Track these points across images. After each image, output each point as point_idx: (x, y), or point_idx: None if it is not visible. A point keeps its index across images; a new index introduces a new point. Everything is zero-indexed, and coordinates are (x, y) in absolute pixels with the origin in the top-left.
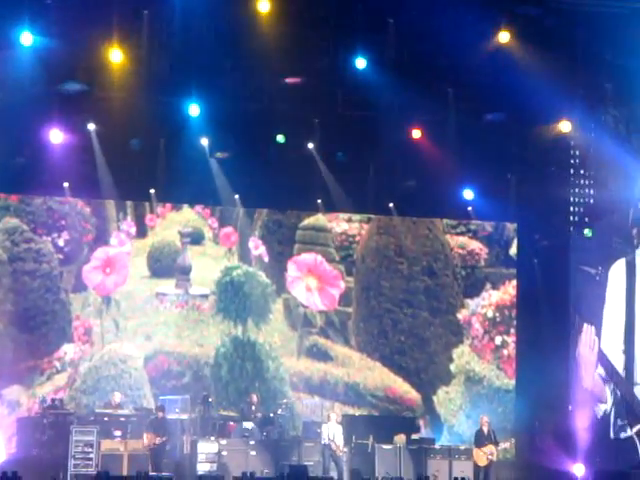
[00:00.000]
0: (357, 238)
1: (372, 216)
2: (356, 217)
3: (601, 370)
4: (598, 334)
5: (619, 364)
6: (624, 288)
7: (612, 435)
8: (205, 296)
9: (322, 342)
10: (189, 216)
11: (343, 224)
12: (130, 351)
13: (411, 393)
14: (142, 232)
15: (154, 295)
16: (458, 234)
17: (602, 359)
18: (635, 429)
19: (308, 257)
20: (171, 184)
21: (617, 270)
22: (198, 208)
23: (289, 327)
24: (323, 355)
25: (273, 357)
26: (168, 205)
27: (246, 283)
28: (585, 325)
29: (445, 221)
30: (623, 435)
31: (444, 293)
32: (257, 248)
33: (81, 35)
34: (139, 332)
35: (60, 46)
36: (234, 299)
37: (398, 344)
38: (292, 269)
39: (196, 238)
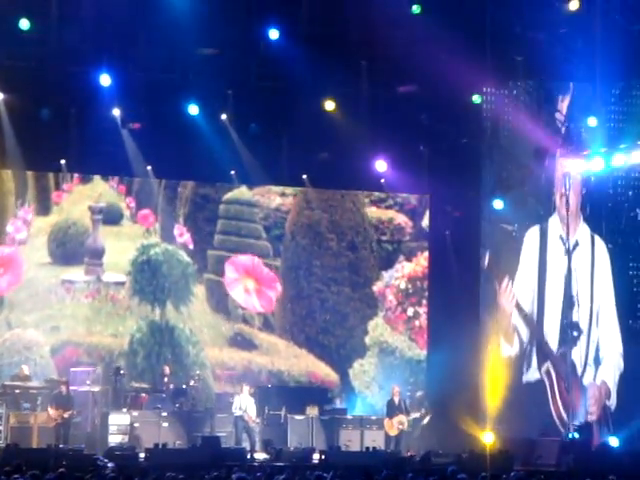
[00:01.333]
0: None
1: (300, 189)
2: (289, 191)
3: (516, 315)
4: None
5: (531, 312)
6: (537, 250)
7: (524, 379)
8: (121, 284)
9: (247, 330)
10: (102, 189)
11: (277, 198)
12: (35, 337)
13: (331, 375)
14: (45, 209)
15: (59, 283)
16: (386, 207)
17: (517, 306)
18: (544, 368)
19: (245, 259)
20: (82, 155)
21: (531, 234)
22: (113, 182)
23: (212, 311)
24: (247, 344)
25: (194, 342)
26: (77, 178)
27: (165, 262)
28: (505, 277)
29: (374, 195)
30: (532, 378)
31: (362, 266)
32: (182, 235)
33: None
34: (42, 325)
35: None
36: (151, 280)
37: (323, 324)
38: (230, 270)
39: (111, 216)
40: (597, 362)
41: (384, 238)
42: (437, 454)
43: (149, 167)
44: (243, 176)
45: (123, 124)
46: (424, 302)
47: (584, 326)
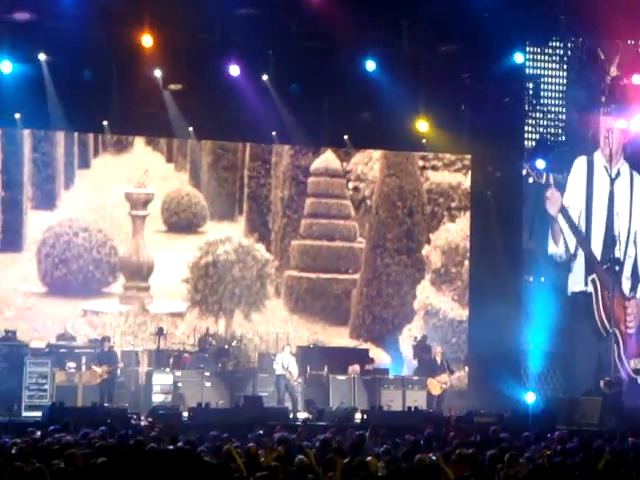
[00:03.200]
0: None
1: (382, 152)
2: (372, 154)
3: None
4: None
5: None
6: (585, 176)
7: (569, 290)
8: (178, 315)
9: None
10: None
11: (360, 166)
12: None
13: (384, 359)
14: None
15: (79, 314)
16: (433, 169)
17: (562, 211)
18: (590, 278)
19: None
20: (124, 116)
21: (579, 162)
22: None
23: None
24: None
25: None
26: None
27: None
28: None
29: (423, 155)
30: (578, 289)
31: (416, 231)
32: None
33: None
34: None
35: None
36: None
37: (387, 297)
38: None
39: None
40: (635, 277)
41: (432, 199)
42: (479, 414)
43: (190, 128)
44: (284, 137)
45: (164, 85)
46: (466, 263)
47: (622, 247)
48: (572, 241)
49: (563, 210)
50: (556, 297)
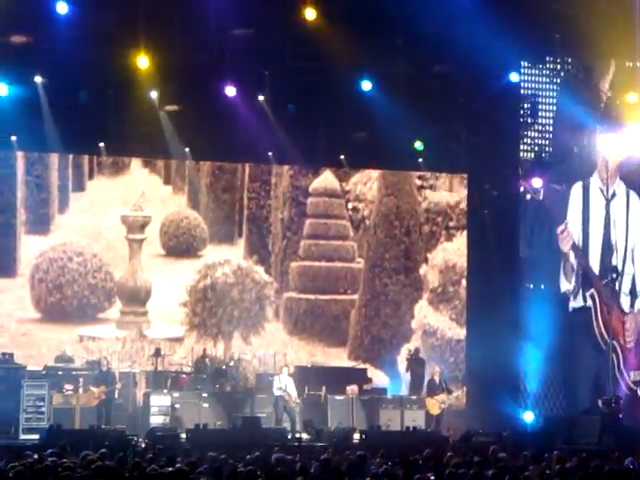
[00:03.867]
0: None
1: (374, 171)
2: (370, 174)
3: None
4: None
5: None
6: (581, 202)
7: (570, 307)
8: (176, 340)
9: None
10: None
11: (359, 186)
12: None
13: (383, 380)
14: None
15: (75, 340)
16: (430, 188)
17: (573, 247)
18: (589, 293)
19: None
20: (120, 138)
21: (576, 189)
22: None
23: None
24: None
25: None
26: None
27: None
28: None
29: (419, 175)
30: (578, 305)
31: (413, 250)
32: None
33: None
34: None
35: None
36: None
37: (385, 317)
38: None
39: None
40: (633, 293)
41: (430, 219)
42: (477, 433)
43: (187, 149)
44: (281, 157)
45: (160, 106)
46: (463, 282)
47: (620, 263)
48: (579, 270)
49: (575, 247)
50: (556, 308)
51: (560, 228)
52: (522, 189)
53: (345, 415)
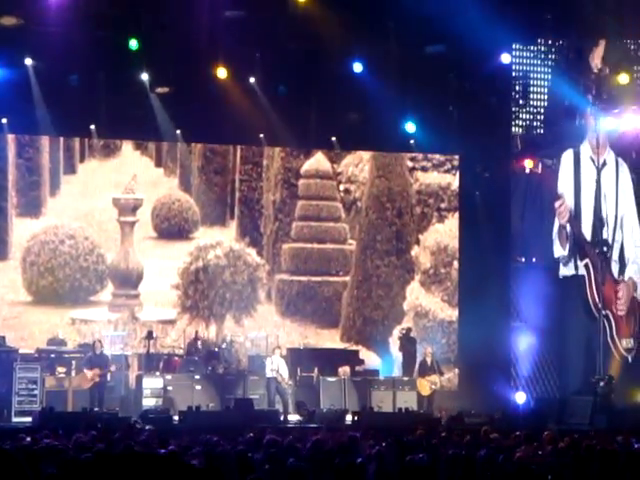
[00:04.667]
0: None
1: (371, 154)
2: (362, 155)
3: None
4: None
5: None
6: (572, 170)
7: (560, 274)
8: (169, 322)
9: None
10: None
11: (351, 167)
12: None
13: (375, 362)
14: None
15: (67, 322)
16: (422, 169)
17: (572, 221)
18: (583, 262)
19: None
20: (111, 120)
21: (566, 156)
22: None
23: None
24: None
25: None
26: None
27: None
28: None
29: (411, 156)
30: (569, 272)
31: (405, 232)
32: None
33: None
34: None
35: None
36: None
37: (376, 300)
38: None
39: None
40: (621, 261)
41: (421, 200)
42: (469, 414)
43: (178, 131)
44: (272, 139)
45: (151, 88)
46: (455, 263)
47: (610, 234)
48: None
49: (571, 219)
50: (547, 280)
51: (558, 202)
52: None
53: (337, 396)
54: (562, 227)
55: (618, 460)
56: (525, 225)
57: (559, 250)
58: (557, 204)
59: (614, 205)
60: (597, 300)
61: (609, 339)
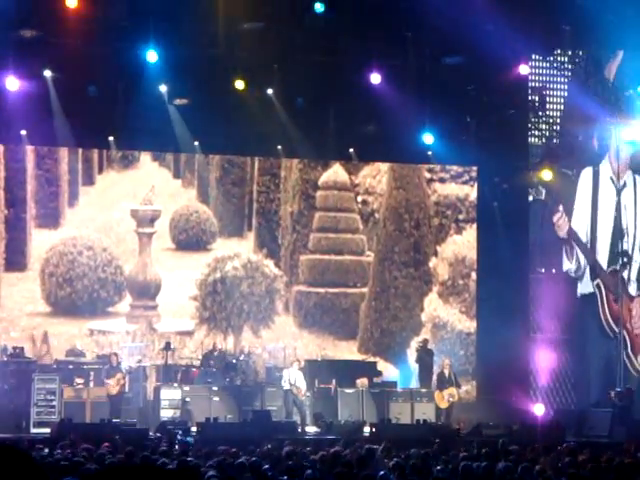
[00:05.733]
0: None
1: (383, 164)
2: (380, 167)
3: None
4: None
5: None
6: (591, 188)
7: (578, 292)
8: (187, 333)
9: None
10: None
11: (368, 179)
12: None
13: (392, 373)
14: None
15: (85, 334)
16: (440, 181)
17: (572, 234)
18: (595, 282)
19: None
20: (130, 132)
21: (585, 174)
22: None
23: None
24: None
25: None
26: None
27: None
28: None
29: (429, 167)
30: (586, 290)
31: (422, 244)
32: None
33: None
34: None
35: None
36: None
37: (395, 310)
38: None
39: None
40: None
41: (439, 212)
42: (487, 426)
43: (196, 142)
44: (290, 151)
45: (170, 100)
46: (473, 275)
47: (630, 251)
48: (581, 256)
49: (571, 231)
50: (565, 294)
51: (556, 216)
52: (531, 198)
53: (355, 408)
54: (563, 240)
55: (638, 473)
56: (545, 236)
57: (567, 264)
58: (555, 218)
59: (633, 224)
60: (610, 320)
61: (625, 358)
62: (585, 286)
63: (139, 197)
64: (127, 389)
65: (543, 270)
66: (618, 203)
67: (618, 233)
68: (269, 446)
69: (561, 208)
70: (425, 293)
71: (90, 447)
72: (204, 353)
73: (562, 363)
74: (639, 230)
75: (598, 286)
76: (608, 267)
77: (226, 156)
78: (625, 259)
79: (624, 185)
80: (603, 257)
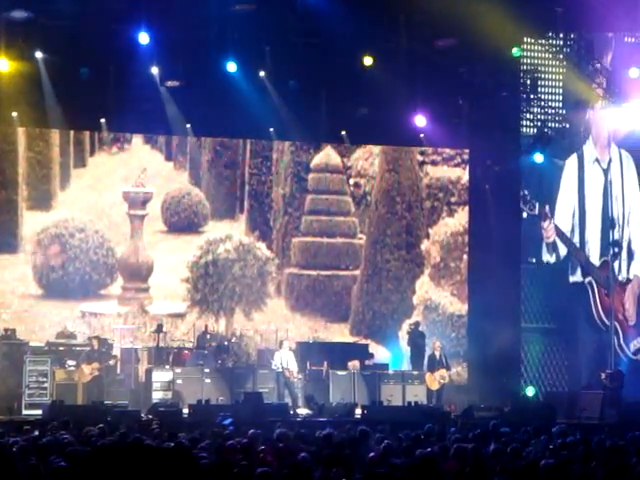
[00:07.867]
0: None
1: (375, 147)
2: (372, 149)
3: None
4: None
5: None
6: (576, 175)
7: (570, 280)
8: (179, 315)
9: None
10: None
11: (360, 161)
12: None
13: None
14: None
15: (77, 316)
16: (432, 163)
17: (560, 235)
18: (587, 280)
19: None
20: (121, 114)
21: (570, 162)
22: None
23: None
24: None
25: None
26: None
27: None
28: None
29: (421, 150)
30: (579, 279)
31: (414, 226)
32: None
33: None
34: None
35: None
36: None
37: (386, 293)
38: None
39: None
40: (630, 256)
41: (431, 194)
42: (479, 408)
43: (188, 125)
44: (282, 133)
45: (162, 82)
46: (464, 257)
47: (619, 232)
48: (563, 249)
49: (559, 234)
50: (557, 282)
51: (545, 223)
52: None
53: (347, 390)
54: (548, 244)
55: (629, 455)
56: (535, 226)
57: (546, 256)
58: (544, 224)
59: (621, 201)
60: (601, 313)
61: (617, 348)
62: (575, 276)
63: (131, 179)
64: (119, 371)
65: (534, 260)
66: (606, 187)
67: (608, 222)
68: (259, 429)
69: (550, 214)
70: (417, 276)
71: (81, 429)
72: (197, 335)
73: (554, 349)
74: (627, 206)
75: (590, 283)
76: (600, 258)
77: (218, 138)
78: (617, 249)
79: (610, 161)
80: (594, 248)
